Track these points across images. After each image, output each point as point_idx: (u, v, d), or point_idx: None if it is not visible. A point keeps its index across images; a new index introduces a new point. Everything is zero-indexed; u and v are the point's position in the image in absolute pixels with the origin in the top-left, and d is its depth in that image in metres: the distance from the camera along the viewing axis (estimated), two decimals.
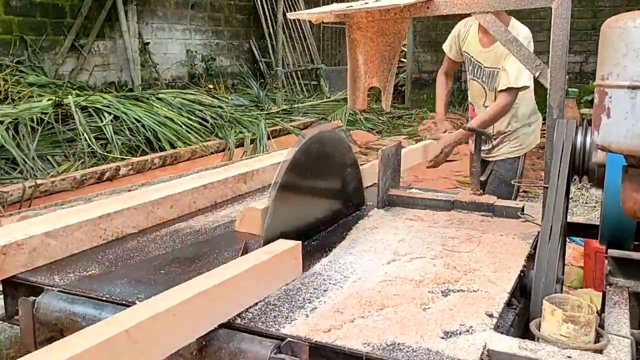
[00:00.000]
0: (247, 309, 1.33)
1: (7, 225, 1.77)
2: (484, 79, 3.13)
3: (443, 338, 1.19)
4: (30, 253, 1.58)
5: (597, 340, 1.16)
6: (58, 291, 1.45)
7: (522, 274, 1.55)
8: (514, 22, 2.97)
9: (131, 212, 1.89)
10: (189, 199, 2.11)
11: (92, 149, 5.20)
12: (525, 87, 2.93)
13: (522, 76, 2.88)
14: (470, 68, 3.18)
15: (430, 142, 3.02)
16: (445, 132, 3.11)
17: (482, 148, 3.09)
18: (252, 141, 6.45)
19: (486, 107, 3.15)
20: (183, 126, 6.09)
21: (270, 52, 10.68)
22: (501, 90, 2.94)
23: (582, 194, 5.32)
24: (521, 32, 2.90)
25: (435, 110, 3.42)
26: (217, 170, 2.51)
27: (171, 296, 1.21)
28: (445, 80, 3.42)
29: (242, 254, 1.50)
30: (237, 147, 6.23)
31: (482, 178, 3.10)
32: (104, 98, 5.83)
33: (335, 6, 2.04)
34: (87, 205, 1.96)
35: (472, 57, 3.13)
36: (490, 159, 3.28)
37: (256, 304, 1.35)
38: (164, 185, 2.22)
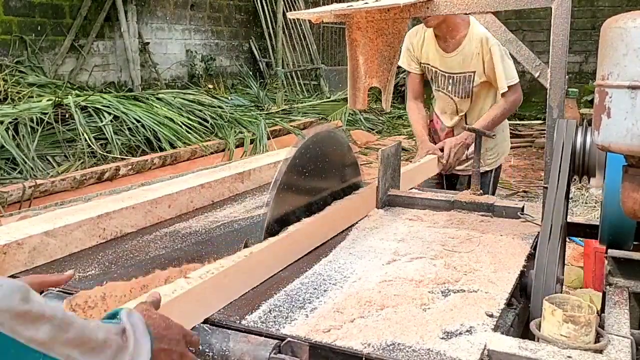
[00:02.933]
0: (247, 309, 1.33)
1: (6, 225, 1.77)
2: (450, 87, 2.97)
3: (443, 338, 1.19)
4: (30, 252, 1.58)
5: (597, 340, 1.16)
6: (58, 291, 1.45)
7: (522, 274, 1.55)
8: (473, 21, 2.85)
9: (129, 211, 1.89)
10: (186, 198, 2.11)
11: (92, 149, 5.20)
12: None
13: (511, 70, 2.86)
14: (432, 79, 3.02)
15: (427, 158, 2.88)
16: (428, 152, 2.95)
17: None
18: (252, 141, 6.45)
19: (460, 116, 3.01)
20: (183, 126, 6.10)
21: (270, 52, 10.68)
22: (504, 93, 2.87)
23: (582, 194, 5.32)
24: (489, 37, 2.79)
25: (416, 135, 3.18)
26: (214, 170, 2.51)
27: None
28: (416, 107, 3.15)
29: None
30: (237, 147, 6.23)
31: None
32: (103, 98, 5.84)
33: (335, 6, 2.04)
34: (85, 205, 1.96)
35: (434, 67, 2.97)
36: (464, 174, 3.06)
37: (257, 304, 1.35)
38: (161, 184, 2.22)
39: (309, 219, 1.74)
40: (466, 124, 2.95)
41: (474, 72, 2.92)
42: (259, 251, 1.48)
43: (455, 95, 2.98)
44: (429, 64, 3.01)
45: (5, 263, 1.53)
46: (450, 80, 2.97)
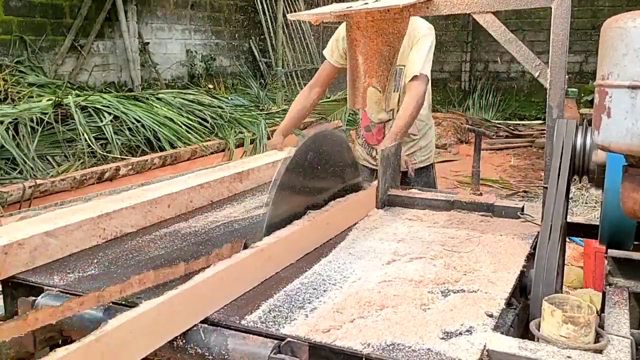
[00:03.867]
0: (247, 309, 1.33)
1: (7, 225, 1.77)
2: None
3: (443, 338, 1.19)
4: (31, 252, 1.58)
5: (597, 341, 1.16)
6: (58, 291, 1.45)
7: (522, 274, 1.55)
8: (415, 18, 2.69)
9: (129, 211, 1.89)
10: (185, 198, 2.11)
11: (92, 149, 5.20)
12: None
13: (428, 66, 2.69)
14: None
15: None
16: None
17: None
18: (252, 141, 6.45)
19: (389, 111, 2.88)
20: (183, 126, 6.10)
21: (270, 52, 10.68)
22: (411, 80, 2.67)
23: (582, 194, 5.32)
24: (422, 28, 2.73)
25: (283, 121, 3.04)
26: (212, 170, 2.51)
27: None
28: (308, 93, 2.97)
29: None
30: (237, 147, 6.23)
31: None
32: (103, 98, 5.84)
33: (334, 7, 2.04)
34: (85, 205, 1.96)
35: None
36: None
37: (257, 304, 1.35)
38: (160, 184, 2.22)
39: (307, 220, 1.74)
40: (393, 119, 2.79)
41: (405, 66, 2.75)
42: (255, 253, 1.48)
43: (387, 88, 2.72)
44: None
45: (6, 263, 1.53)
46: None
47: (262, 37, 10.73)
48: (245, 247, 1.52)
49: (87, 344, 1.04)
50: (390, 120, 2.88)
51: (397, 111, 2.75)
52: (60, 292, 1.45)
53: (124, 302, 1.36)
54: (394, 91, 2.81)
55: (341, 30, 2.85)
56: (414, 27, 2.75)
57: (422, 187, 2.63)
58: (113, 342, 1.09)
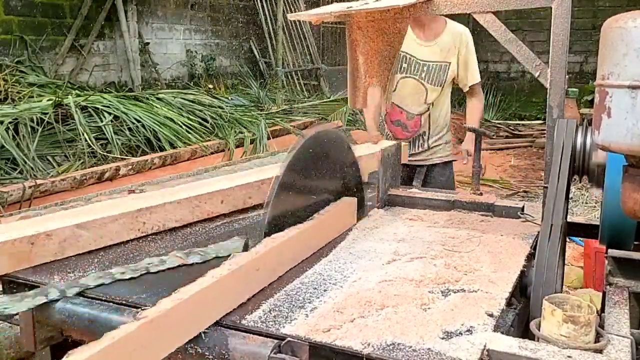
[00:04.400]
0: (247, 309, 1.32)
1: (36, 217, 1.81)
2: (423, 75, 3.06)
3: (443, 338, 1.19)
4: (60, 243, 1.62)
5: (597, 340, 1.16)
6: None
7: (522, 273, 1.55)
8: (450, 23, 3.04)
9: (174, 206, 1.90)
10: (244, 194, 2.09)
11: (92, 149, 5.20)
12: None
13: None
14: (404, 66, 3.08)
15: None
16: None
17: (413, 152, 3.14)
18: (252, 141, 6.44)
19: (428, 103, 3.11)
20: (183, 126, 6.09)
21: (270, 52, 10.67)
22: (474, 85, 3.15)
23: (582, 194, 5.32)
24: (466, 31, 3.06)
25: (368, 126, 3.26)
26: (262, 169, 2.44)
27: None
28: (373, 91, 3.28)
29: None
30: (237, 147, 6.23)
31: (415, 183, 3.10)
32: (104, 98, 5.83)
33: (335, 7, 2.04)
34: (124, 198, 2.00)
35: (407, 53, 3.05)
36: (423, 164, 3.21)
37: (257, 304, 1.35)
38: (212, 180, 2.21)
39: (276, 239, 1.57)
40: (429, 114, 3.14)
41: (450, 62, 3.06)
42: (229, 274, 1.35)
43: (428, 83, 3.07)
44: (400, 51, 3.01)
45: (32, 253, 1.57)
46: (425, 68, 3.05)
47: (262, 37, 10.72)
48: (246, 245, 1.52)
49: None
50: (427, 112, 3.14)
51: (433, 106, 3.12)
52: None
53: (124, 302, 1.36)
54: (437, 85, 3.07)
55: None
56: (456, 28, 3.01)
57: (445, 183, 3.04)
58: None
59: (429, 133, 3.17)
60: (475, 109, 3.25)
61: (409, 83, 3.08)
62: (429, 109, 3.13)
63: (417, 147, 3.18)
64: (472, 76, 3.13)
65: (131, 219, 1.77)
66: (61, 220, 1.69)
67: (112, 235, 1.73)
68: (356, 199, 1.89)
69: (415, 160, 3.17)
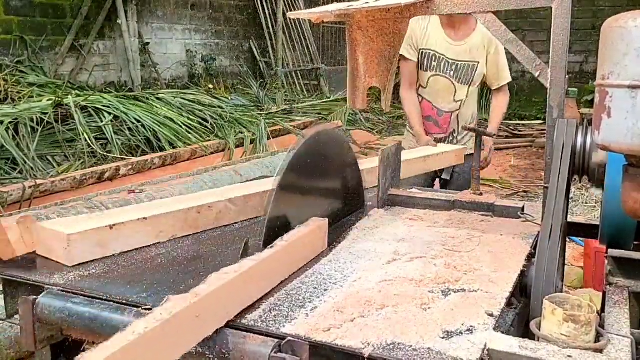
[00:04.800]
0: (247, 309, 1.32)
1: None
2: (452, 73, 3.16)
3: (443, 338, 1.19)
4: (217, 214, 1.84)
5: (597, 340, 1.16)
6: (59, 290, 1.45)
7: (522, 273, 1.55)
8: (480, 26, 3.09)
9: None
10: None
11: (92, 149, 5.20)
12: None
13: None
14: (433, 64, 3.17)
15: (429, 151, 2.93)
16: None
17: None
18: (252, 141, 6.44)
19: (457, 101, 3.21)
20: (183, 126, 6.09)
21: (270, 52, 10.68)
22: (502, 86, 3.28)
23: (582, 194, 5.33)
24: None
25: (414, 128, 3.29)
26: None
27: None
28: (411, 97, 3.27)
29: (241, 254, 1.50)
30: (237, 147, 6.23)
31: (445, 176, 3.18)
32: (104, 98, 5.83)
33: (335, 6, 2.04)
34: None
35: (437, 52, 3.14)
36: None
37: (257, 303, 1.35)
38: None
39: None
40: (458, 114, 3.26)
41: (478, 62, 3.15)
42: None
43: (456, 81, 3.16)
44: (430, 50, 3.16)
45: (199, 221, 1.81)
46: (454, 67, 3.15)
47: (262, 37, 10.73)
48: (246, 245, 1.52)
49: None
50: (457, 111, 3.26)
51: (462, 105, 3.25)
52: (61, 291, 1.45)
53: (125, 302, 1.36)
54: (465, 84, 3.19)
55: (410, 28, 3.04)
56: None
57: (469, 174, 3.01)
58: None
59: (457, 131, 3.30)
60: (499, 107, 3.36)
61: (440, 81, 3.19)
62: (459, 107, 3.25)
63: (446, 143, 3.30)
64: (502, 76, 3.26)
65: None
66: (215, 196, 1.98)
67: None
68: (327, 220, 1.73)
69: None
